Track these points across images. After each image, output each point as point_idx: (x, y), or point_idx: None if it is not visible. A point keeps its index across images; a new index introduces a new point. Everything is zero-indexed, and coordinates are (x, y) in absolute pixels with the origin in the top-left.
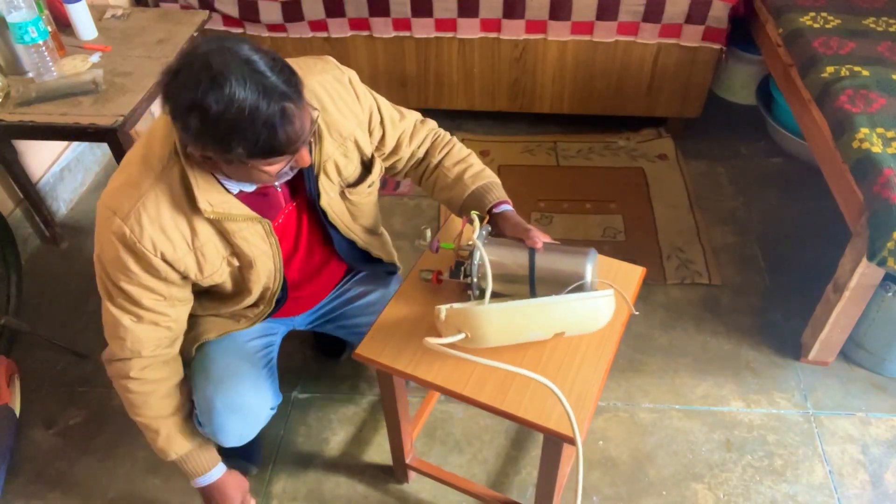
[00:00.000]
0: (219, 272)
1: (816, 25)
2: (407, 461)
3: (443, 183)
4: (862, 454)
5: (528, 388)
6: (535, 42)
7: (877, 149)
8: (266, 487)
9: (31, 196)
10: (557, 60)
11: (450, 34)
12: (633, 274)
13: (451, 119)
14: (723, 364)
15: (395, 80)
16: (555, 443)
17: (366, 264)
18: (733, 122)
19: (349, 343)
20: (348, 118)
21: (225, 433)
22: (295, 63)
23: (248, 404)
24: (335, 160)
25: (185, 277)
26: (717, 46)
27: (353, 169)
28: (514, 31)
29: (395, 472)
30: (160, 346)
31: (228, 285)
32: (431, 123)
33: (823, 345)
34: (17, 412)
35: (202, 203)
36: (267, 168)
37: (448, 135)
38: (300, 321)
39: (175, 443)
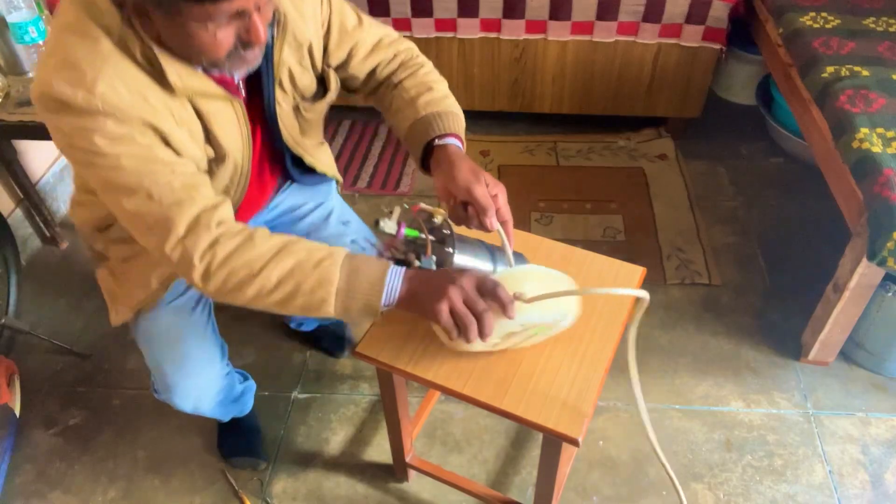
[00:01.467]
0: (201, 163)
1: (816, 25)
2: (407, 460)
3: (396, 104)
4: (862, 454)
5: (528, 387)
6: (535, 42)
7: (877, 149)
8: (266, 487)
9: (31, 196)
10: (557, 60)
11: (450, 34)
12: (633, 274)
13: None
14: (723, 364)
15: None
16: (554, 443)
17: (308, 177)
18: (733, 122)
19: (349, 341)
20: (308, 22)
21: (180, 396)
22: None
23: (195, 361)
24: (290, 68)
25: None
26: (717, 46)
27: (308, 81)
28: (514, 31)
29: (395, 471)
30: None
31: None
32: (407, 44)
33: (823, 345)
34: (17, 412)
35: (171, 75)
36: (208, 25)
37: (423, 58)
38: None
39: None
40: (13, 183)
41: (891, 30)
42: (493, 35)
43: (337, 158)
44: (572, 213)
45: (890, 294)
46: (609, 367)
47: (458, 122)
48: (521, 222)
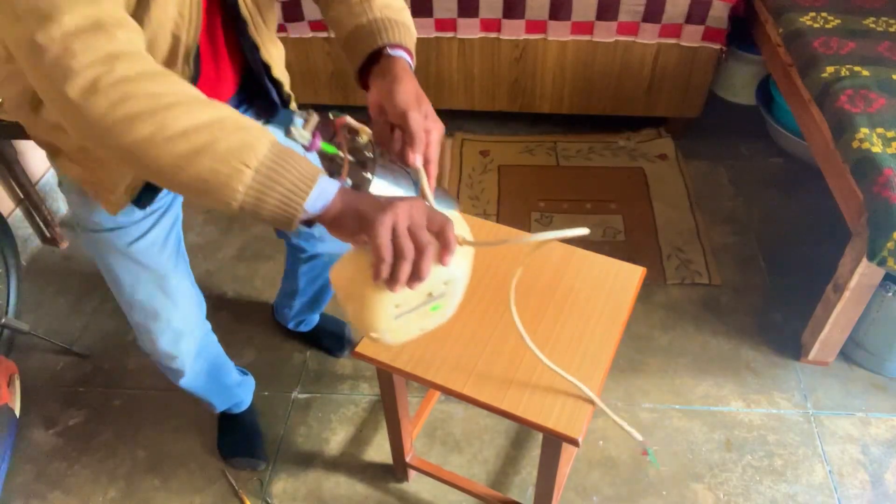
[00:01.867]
0: None
1: (816, 25)
2: (407, 460)
3: None
4: (862, 454)
5: (528, 387)
6: (535, 42)
7: (877, 149)
8: (266, 487)
9: (31, 196)
10: (557, 60)
11: (450, 34)
12: (633, 274)
13: (451, 119)
14: (723, 364)
15: None
16: (554, 443)
17: (259, 88)
18: (733, 122)
19: (348, 341)
20: None
21: (157, 333)
22: None
23: (170, 293)
24: None
25: None
26: (717, 46)
27: None
28: (514, 31)
29: (395, 471)
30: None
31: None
32: None
33: (823, 345)
34: (17, 412)
35: None
36: None
37: None
38: None
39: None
40: (13, 183)
41: (891, 30)
42: (493, 35)
43: None
44: (572, 213)
45: (890, 294)
46: (609, 367)
47: (413, 38)
48: (521, 222)
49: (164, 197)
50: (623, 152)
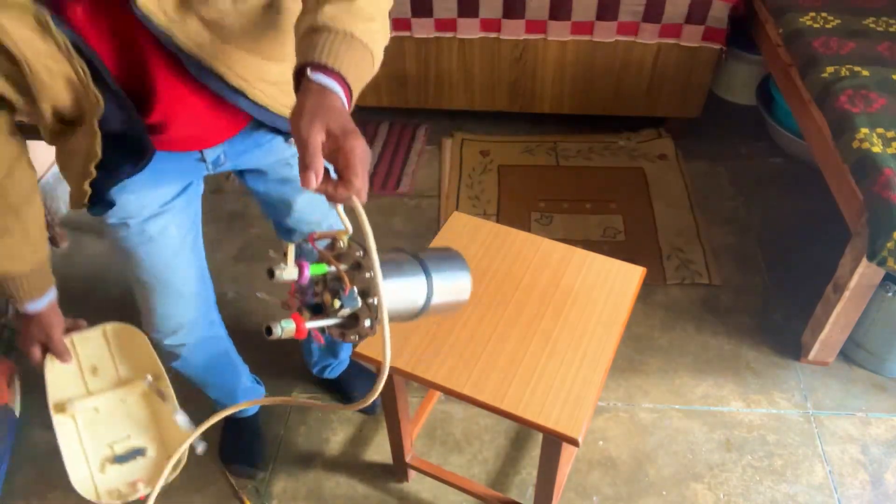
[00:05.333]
0: None
1: (816, 25)
2: (407, 460)
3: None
4: (862, 454)
5: (528, 387)
6: (535, 42)
7: (877, 149)
8: (266, 487)
9: None
10: (557, 60)
11: (450, 34)
12: (633, 274)
13: (451, 119)
14: (723, 364)
15: (395, 80)
16: (554, 443)
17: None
18: (733, 122)
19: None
20: None
21: (160, 318)
22: None
23: (173, 279)
24: None
25: None
26: (717, 46)
27: None
28: (514, 31)
29: (395, 471)
30: None
31: (11, 95)
32: None
33: (823, 345)
34: (17, 412)
35: None
36: None
37: None
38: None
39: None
40: None
41: (891, 30)
42: (493, 35)
43: None
44: (572, 213)
45: (890, 294)
46: (609, 367)
47: (358, 63)
48: (522, 222)
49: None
50: (623, 152)
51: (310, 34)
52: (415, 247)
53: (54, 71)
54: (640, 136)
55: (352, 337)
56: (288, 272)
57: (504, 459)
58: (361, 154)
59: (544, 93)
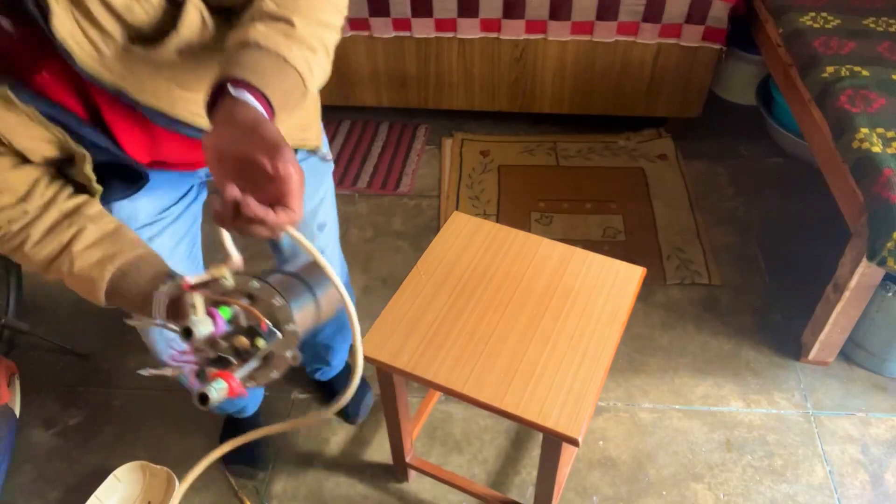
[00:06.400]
0: None
1: (816, 25)
2: (407, 460)
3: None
4: (862, 454)
5: (528, 387)
6: (535, 42)
7: (877, 149)
8: (266, 488)
9: None
10: (557, 60)
11: (450, 34)
12: (633, 274)
13: (451, 119)
14: (723, 364)
15: (395, 80)
16: (554, 443)
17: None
18: (733, 122)
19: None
20: None
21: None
22: None
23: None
24: None
25: None
26: (717, 46)
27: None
28: (514, 31)
29: (395, 471)
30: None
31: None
32: None
33: (823, 345)
34: (17, 412)
35: None
36: None
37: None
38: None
39: None
40: None
41: (891, 30)
42: (493, 35)
43: (337, 158)
44: (572, 213)
45: (890, 294)
46: (609, 367)
47: (287, 90)
48: (522, 222)
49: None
50: (623, 152)
51: (238, 49)
52: (415, 247)
53: (35, 136)
54: (640, 136)
55: (271, 374)
56: (205, 325)
57: (504, 459)
58: (300, 178)
59: (544, 93)
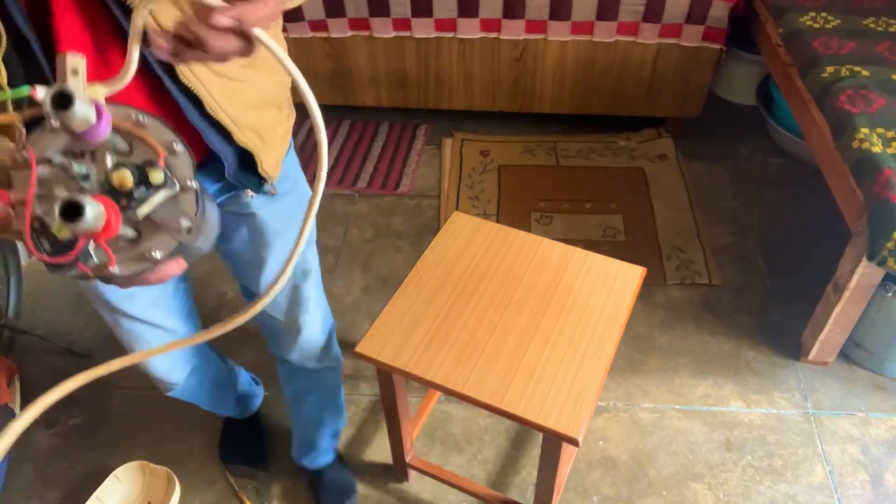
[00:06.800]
0: None
1: (816, 25)
2: (407, 460)
3: None
4: (862, 454)
5: (528, 387)
6: (535, 42)
7: (877, 149)
8: (266, 488)
9: None
10: (557, 60)
11: (450, 34)
12: (633, 274)
13: (451, 119)
14: (723, 364)
15: (395, 80)
16: (554, 443)
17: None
18: (733, 122)
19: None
20: None
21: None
22: None
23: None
24: None
25: None
26: (717, 46)
27: None
28: (514, 31)
29: (395, 471)
30: None
31: None
32: None
33: (823, 345)
34: (17, 412)
35: None
36: None
37: None
38: None
39: None
40: None
41: (891, 30)
42: (493, 35)
43: (337, 158)
44: (572, 213)
45: (890, 294)
46: (609, 367)
47: None
48: (522, 222)
49: None
50: (623, 152)
51: None
52: (415, 247)
53: None
54: (641, 136)
55: (153, 251)
56: (84, 104)
57: (504, 459)
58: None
59: (544, 93)
